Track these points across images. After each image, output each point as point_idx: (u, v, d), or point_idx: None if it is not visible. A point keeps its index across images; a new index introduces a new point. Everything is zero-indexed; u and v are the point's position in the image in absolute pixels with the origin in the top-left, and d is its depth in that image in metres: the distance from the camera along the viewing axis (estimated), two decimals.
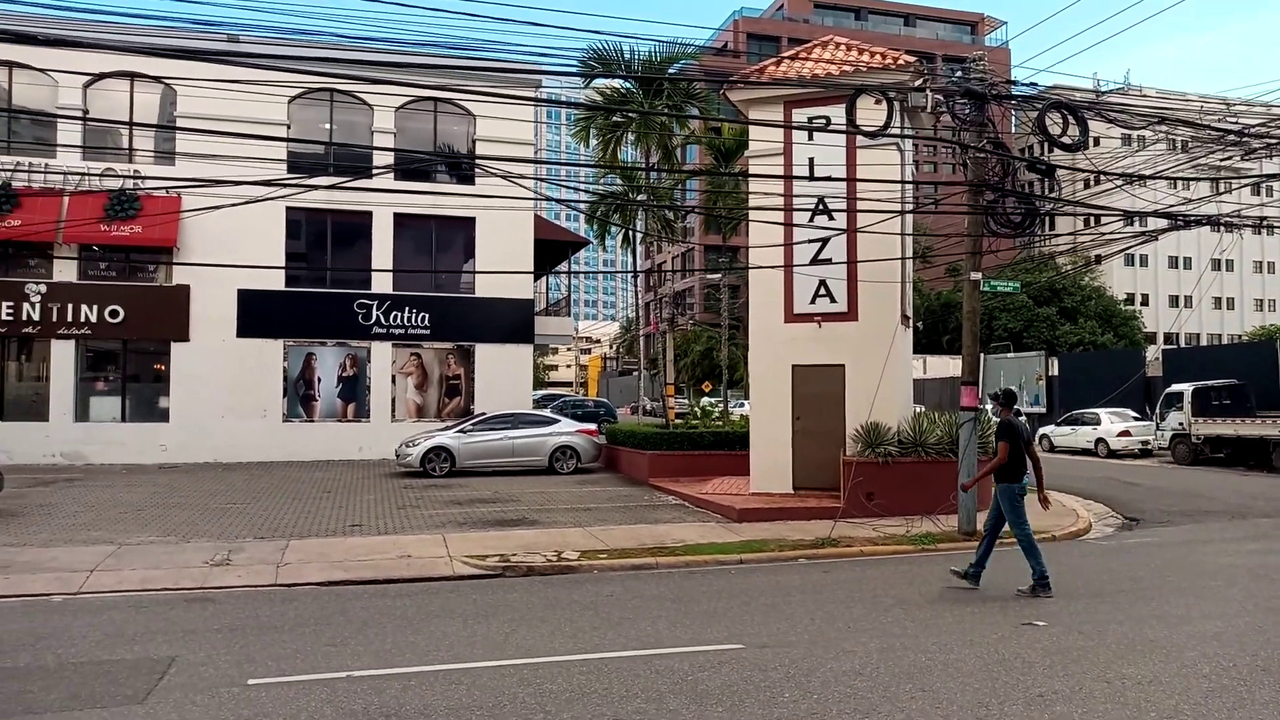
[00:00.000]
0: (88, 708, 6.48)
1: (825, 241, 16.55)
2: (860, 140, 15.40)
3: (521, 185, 20.23)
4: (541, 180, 31.94)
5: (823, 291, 16.82)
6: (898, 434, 15.87)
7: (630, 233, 30.01)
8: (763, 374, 17.49)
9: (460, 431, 22.77)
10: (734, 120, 22.52)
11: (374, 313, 26.82)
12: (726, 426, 23.34)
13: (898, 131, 15.05)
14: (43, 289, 24.66)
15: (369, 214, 26.44)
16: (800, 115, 16.82)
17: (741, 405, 44.86)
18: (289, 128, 25.54)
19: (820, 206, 16.69)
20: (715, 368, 59.33)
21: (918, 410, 18.76)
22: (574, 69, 22.05)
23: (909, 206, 17.14)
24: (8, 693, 6.84)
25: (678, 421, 25.30)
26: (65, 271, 24.96)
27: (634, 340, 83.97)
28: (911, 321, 18.99)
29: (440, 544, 13.18)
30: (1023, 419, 11.29)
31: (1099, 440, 30.02)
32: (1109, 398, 29.23)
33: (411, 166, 26.87)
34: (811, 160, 16.72)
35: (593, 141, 27.57)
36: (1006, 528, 10.27)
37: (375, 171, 23.41)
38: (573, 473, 22.67)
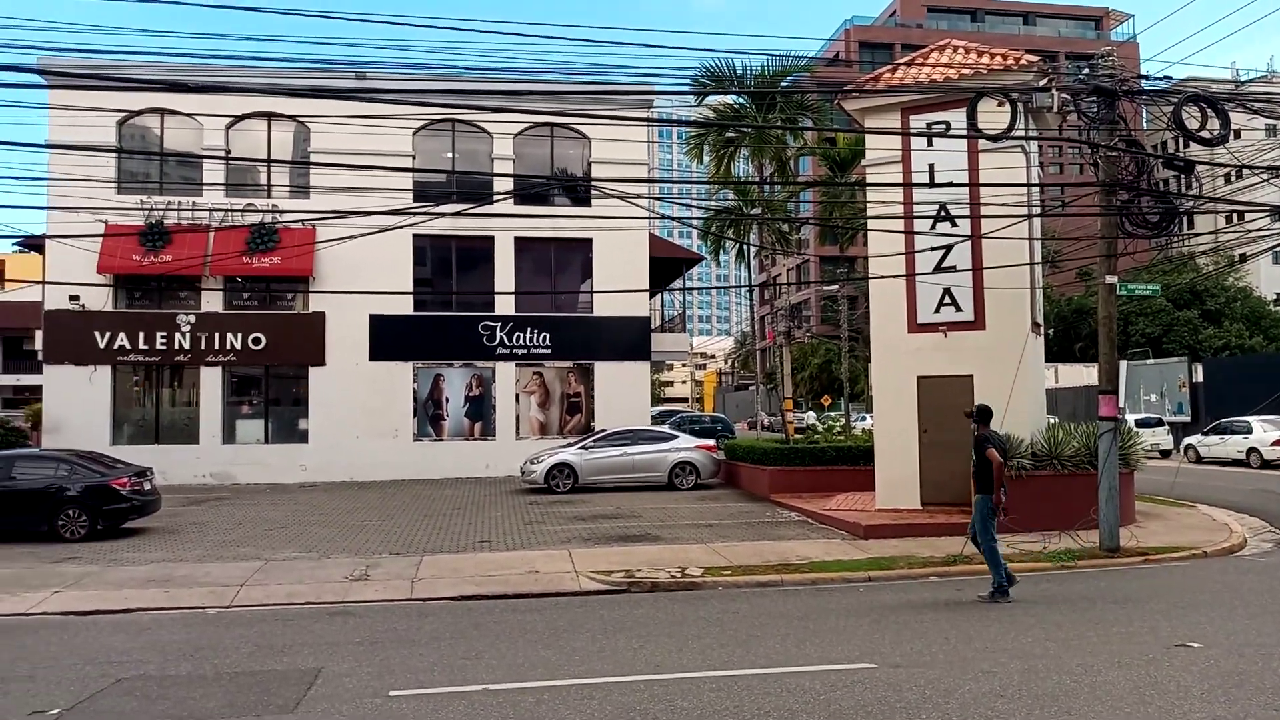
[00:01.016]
0: (244, 715, 6.85)
1: (949, 249, 16.13)
2: (983, 144, 14.98)
3: (637, 204, 20.48)
4: (655, 199, 32.25)
5: (947, 300, 16.37)
6: (1031, 446, 15.28)
7: (745, 247, 29.94)
8: (886, 386, 17.14)
9: (582, 448, 23.10)
10: (849, 130, 22.24)
11: (497, 334, 27.53)
12: (849, 441, 22.93)
13: (1022, 133, 14.57)
14: (192, 319, 26.29)
15: (491, 238, 27.22)
16: (918, 122, 16.47)
17: (863, 419, 44.01)
18: (414, 158, 26.57)
19: (942, 213, 16.28)
20: (834, 381, 58.42)
21: (1051, 421, 18.02)
22: (686, 88, 22.21)
23: (1036, 210, 16.55)
24: (174, 699, 7.30)
25: (797, 436, 24.99)
26: (212, 302, 26.56)
27: (749, 355, 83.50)
28: (1042, 329, 18.29)
29: (566, 559, 13.38)
30: (1003, 433, 11.92)
31: (1251, 450, 28.16)
32: (1261, 405, 27.39)
33: (531, 191, 27.53)
34: (931, 167, 16.34)
35: (706, 158, 27.68)
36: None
37: (497, 197, 24.11)
38: (692, 488, 22.67)
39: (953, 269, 16.18)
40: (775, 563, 12.98)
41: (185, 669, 8.22)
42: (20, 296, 52.60)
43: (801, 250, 58.33)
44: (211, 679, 7.87)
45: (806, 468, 20.53)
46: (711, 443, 24.94)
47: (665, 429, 26.68)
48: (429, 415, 27.64)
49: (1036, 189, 17.42)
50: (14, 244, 42.12)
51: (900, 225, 16.31)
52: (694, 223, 38.53)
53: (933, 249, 16.22)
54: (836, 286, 42.21)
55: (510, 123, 25.77)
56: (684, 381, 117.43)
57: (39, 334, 26.80)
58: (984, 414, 11.05)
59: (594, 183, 24.25)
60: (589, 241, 27.79)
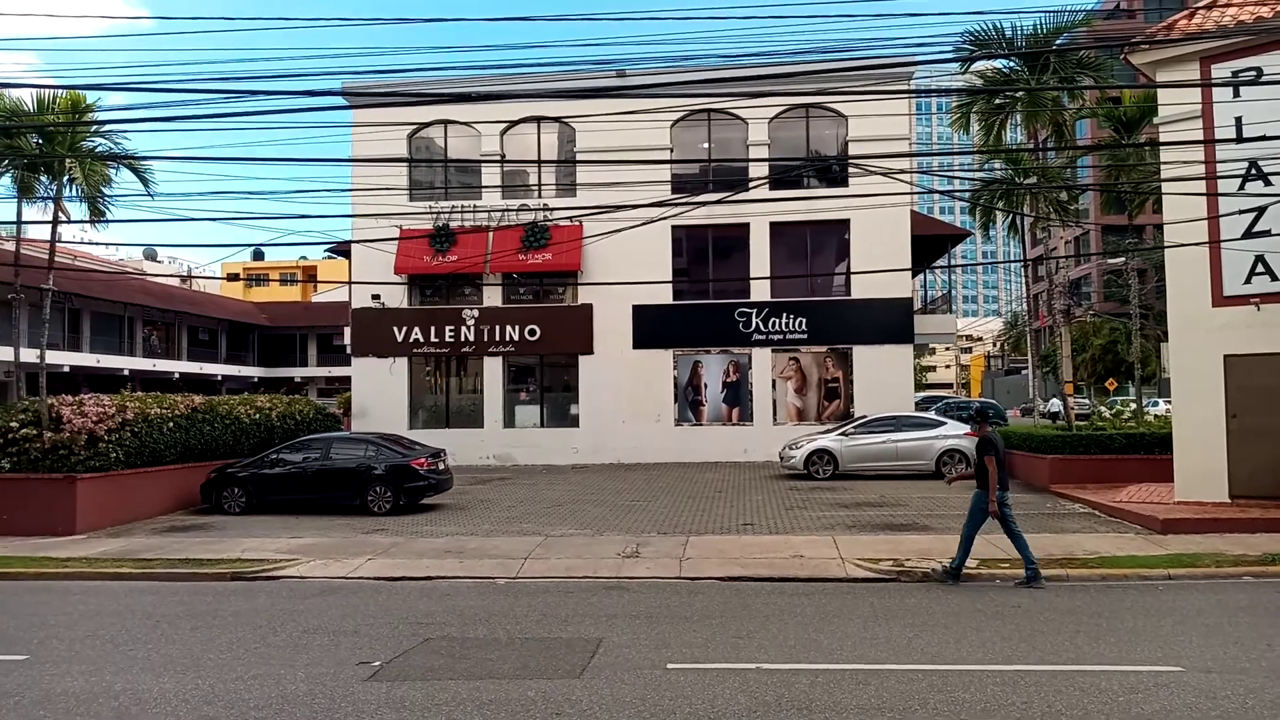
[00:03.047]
0: (536, 677, 7.37)
1: (1261, 211, 14.32)
2: None
3: (900, 180, 19.78)
4: (917, 173, 30.99)
5: (1260, 269, 14.55)
6: None
7: (1018, 219, 28.11)
8: (1186, 367, 15.50)
9: (842, 434, 22.72)
10: (1137, 85, 20.27)
11: (754, 320, 27.66)
12: (1140, 428, 20.98)
13: None
14: (475, 314, 28.48)
15: (746, 225, 27.37)
16: (1221, 70, 14.73)
17: (1155, 404, 40.07)
18: (672, 150, 27.21)
19: (1253, 171, 14.47)
20: (1120, 363, 53.55)
21: None
22: (949, 55, 21.14)
23: None
24: (474, 659, 7.99)
25: (1080, 423, 23.18)
26: (492, 297, 28.66)
27: (1021, 336, 78.32)
28: None
29: (831, 545, 13.25)
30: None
31: None
32: None
33: (789, 176, 27.35)
34: (1239, 120, 14.55)
35: (973, 128, 26.21)
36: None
37: (752, 183, 24.16)
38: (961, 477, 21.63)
39: (1266, 233, 14.35)
40: (1058, 556, 12.16)
41: (481, 632, 8.97)
42: (330, 298, 59.32)
43: (1081, 221, 53.88)
44: (505, 643, 8.53)
45: (1091, 456, 19.03)
46: None
47: (931, 415, 25.67)
48: (689, 401, 28.28)
49: None
50: (325, 251, 47.50)
51: (1201, 187, 14.67)
52: (960, 197, 36.67)
53: (1242, 212, 14.47)
54: (1123, 259, 38.65)
55: (765, 107, 25.73)
56: (948, 366, 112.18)
57: (347, 330, 30.14)
58: (983, 415, 11.80)
59: (852, 161, 23.69)
60: (846, 222, 27.23)
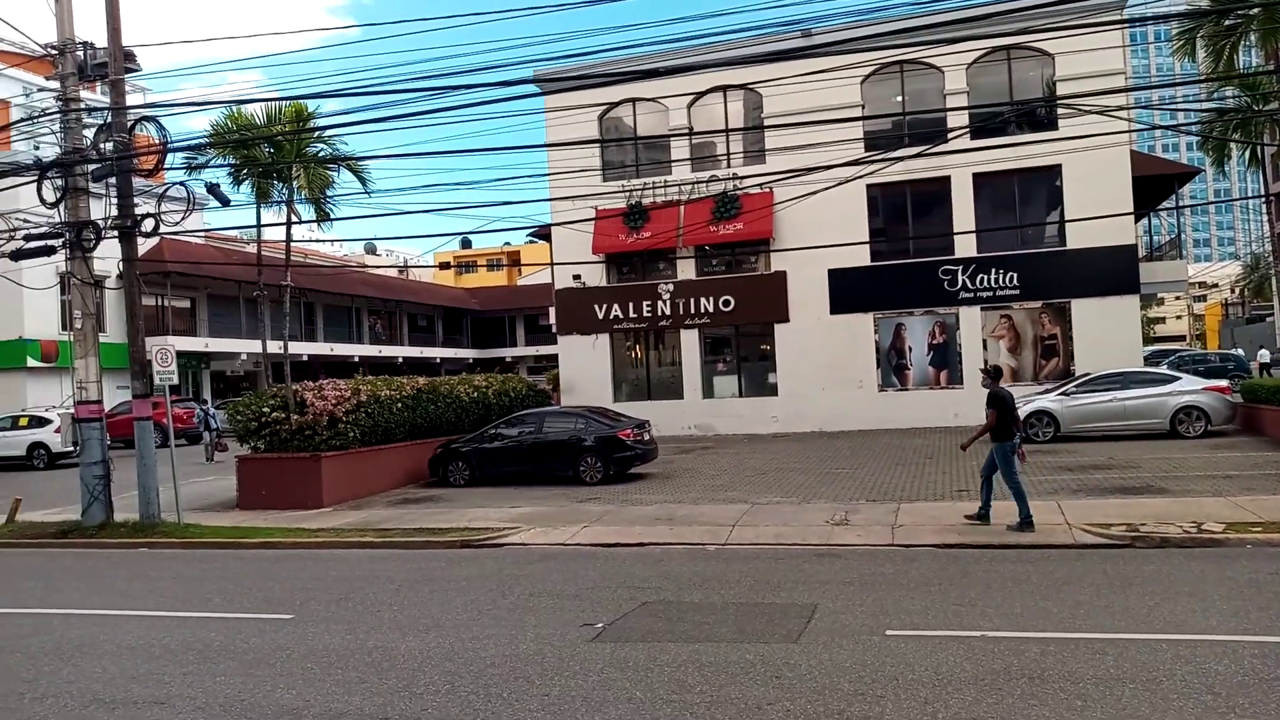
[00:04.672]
0: (753, 641, 7.46)
1: None
2: None
3: (1116, 118, 18.31)
4: (1132, 110, 28.51)
5: None
6: None
7: (1258, 150, 25.38)
8: None
9: (1062, 394, 21.42)
10: None
11: (959, 277, 26.48)
12: None
13: None
14: (670, 287, 28.85)
15: (946, 179, 26.18)
16: None
17: None
18: (863, 107, 26.37)
19: None
20: None
21: None
22: None
23: None
24: (691, 622, 8.19)
25: None
26: (686, 270, 28.93)
27: (1264, 280, 70.71)
28: None
29: (1055, 511, 12.58)
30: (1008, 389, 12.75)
31: None
32: None
33: (993, 123, 25.87)
34: None
35: (1200, 54, 23.84)
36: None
37: (951, 134, 23.05)
38: (1201, 435, 19.92)
39: None
40: None
41: (696, 597, 9.16)
42: (533, 280, 61.82)
43: None
44: (720, 607, 8.68)
45: None
46: (1224, 384, 21.72)
47: (1163, 370, 23.76)
48: (892, 365, 27.50)
49: None
50: (527, 235, 49.48)
51: None
52: (1188, 131, 33.48)
53: None
54: None
55: (962, 53, 24.41)
56: (1178, 316, 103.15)
57: (552, 311, 31.32)
58: (996, 373, 13.10)
59: (1061, 102, 22.11)
60: (1057, 168, 25.52)
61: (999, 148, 24.75)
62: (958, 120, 25.42)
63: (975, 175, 26.08)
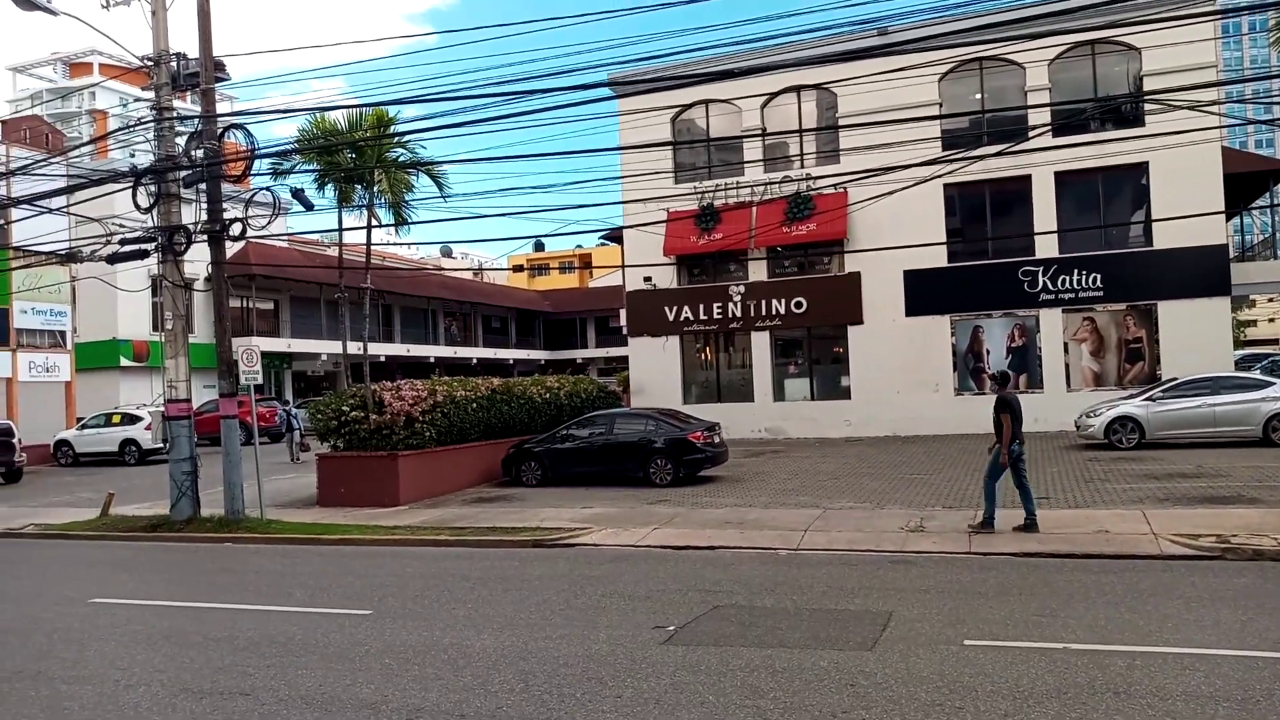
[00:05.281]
0: (826, 648, 7.38)
1: None
2: None
3: (1207, 113, 17.65)
4: (1224, 104, 27.44)
5: None
6: None
7: None
8: None
9: (1147, 399, 20.72)
10: None
11: (1039, 279, 25.80)
12: None
13: None
14: (741, 289, 28.73)
15: (1027, 177, 25.54)
16: None
17: None
18: (940, 106, 25.89)
19: None
20: None
21: None
22: None
23: None
24: (763, 627, 8.14)
25: None
26: (758, 272, 28.77)
27: None
28: None
29: (1140, 520, 12.18)
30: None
31: None
32: None
33: (1076, 120, 25.15)
34: None
35: None
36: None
37: (1033, 132, 22.48)
38: None
39: None
40: None
41: (768, 602, 9.10)
42: (604, 282, 62.13)
43: None
44: (792, 612, 8.61)
45: None
46: None
47: (1255, 375, 22.80)
48: (969, 368, 26.93)
49: None
50: (599, 238, 49.79)
51: None
52: None
53: None
54: None
55: (1045, 48, 23.77)
56: (1271, 319, 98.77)
57: (623, 312, 31.44)
58: (1005, 379, 13.09)
59: (1149, 97, 21.39)
60: (1143, 165, 24.71)
61: (1083, 145, 24.06)
62: (1039, 117, 24.78)
63: (1057, 174, 25.40)
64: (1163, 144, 21.81)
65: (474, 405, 19.69)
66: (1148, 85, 23.92)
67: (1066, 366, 25.99)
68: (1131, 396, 21.59)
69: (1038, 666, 6.56)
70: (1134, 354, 25.67)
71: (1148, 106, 23.41)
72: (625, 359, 31.90)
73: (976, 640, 7.30)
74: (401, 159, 20.66)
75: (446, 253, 79.15)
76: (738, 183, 28.20)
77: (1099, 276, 25.40)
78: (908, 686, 6.29)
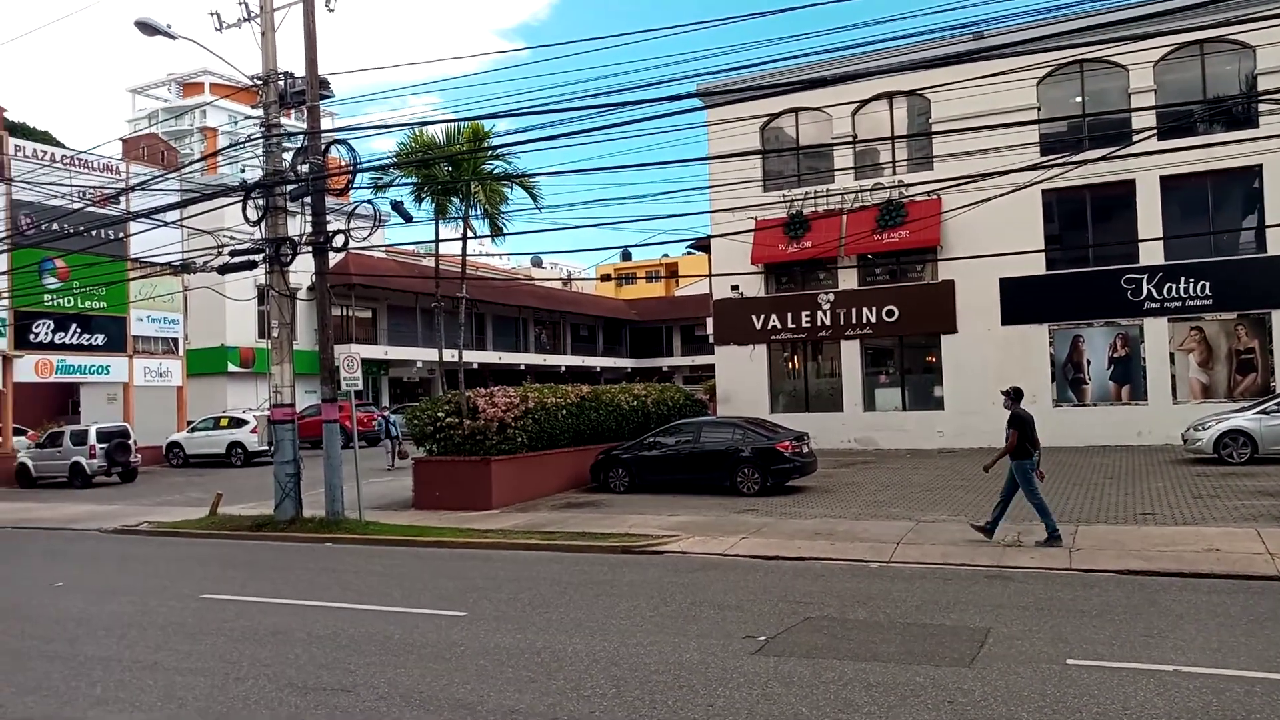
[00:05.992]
0: (922, 663, 7.26)
1: None
2: None
3: None
4: None
5: None
6: None
7: None
8: None
9: (1261, 413, 19.75)
10: None
11: (1144, 287, 24.86)
12: None
13: None
14: (831, 297, 28.42)
15: (1130, 182, 24.62)
16: None
17: None
18: (1039, 110, 25.20)
19: None
20: None
21: None
22: None
23: None
24: (856, 640, 8.05)
25: None
26: (847, 280, 28.41)
27: None
28: None
29: (1254, 539, 11.64)
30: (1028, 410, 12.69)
31: None
32: None
33: (1184, 123, 24.17)
34: None
35: None
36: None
37: (1137, 136, 21.71)
38: None
39: None
40: None
41: (861, 614, 9.00)
42: (690, 291, 62.21)
43: None
44: (886, 626, 8.49)
45: None
46: None
47: None
48: (1068, 379, 26.10)
49: None
50: (686, 247, 49.88)
51: None
52: None
53: None
54: None
55: (1150, 49, 22.94)
56: None
57: (709, 321, 31.43)
58: (1017, 395, 12.84)
59: (1264, 98, 20.44)
60: (1255, 169, 23.61)
61: (1190, 149, 23.12)
62: (1143, 120, 23.91)
63: (1163, 178, 24.45)
64: (1277, 145, 20.81)
65: (564, 412, 19.94)
66: (1262, 85, 22.87)
67: (1173, 378, 24.96)
68: (1243, 409, 20.62)
69: (1147, 689, 6.34)
70: (1245, 365, 24.50)
71: (1262, 106, 22.38)
72: (710, 367, 31.85)
73: (1080, 660, 7.09)
74: (496, 171, 21.07)
75: (537, 263, 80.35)
76: (827, 190, 27.93)
77: (1207, 284, 24.34)
78: (1008, 705, 6.14)
